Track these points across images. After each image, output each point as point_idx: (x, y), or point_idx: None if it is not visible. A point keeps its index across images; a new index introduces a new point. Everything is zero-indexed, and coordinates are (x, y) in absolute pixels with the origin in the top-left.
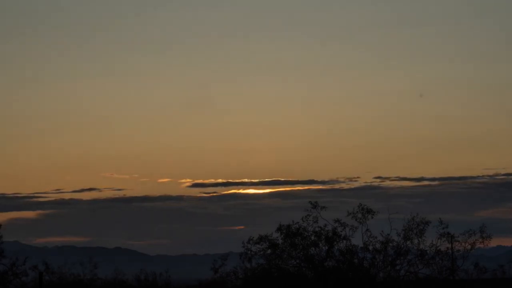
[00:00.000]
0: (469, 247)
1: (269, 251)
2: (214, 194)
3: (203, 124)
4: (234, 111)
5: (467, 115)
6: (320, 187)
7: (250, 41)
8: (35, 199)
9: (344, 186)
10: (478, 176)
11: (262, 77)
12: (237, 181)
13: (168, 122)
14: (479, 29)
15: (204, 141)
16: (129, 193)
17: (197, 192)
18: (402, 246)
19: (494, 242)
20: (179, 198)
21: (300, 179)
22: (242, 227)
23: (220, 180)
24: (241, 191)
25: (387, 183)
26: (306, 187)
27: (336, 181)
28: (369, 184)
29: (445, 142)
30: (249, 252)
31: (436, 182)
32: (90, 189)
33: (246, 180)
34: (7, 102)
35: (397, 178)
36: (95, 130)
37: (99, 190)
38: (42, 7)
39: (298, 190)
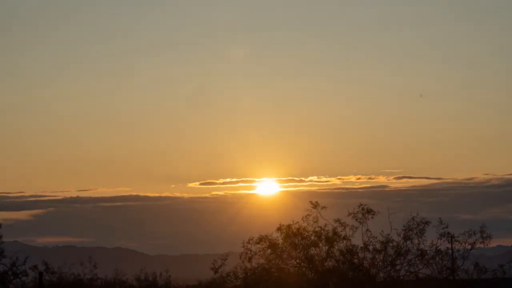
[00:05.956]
0: (469, 247)
1: (269, 251)
2: (215, 194)
3: (207, 124)
4: (239, 110)
5: (468, 115)
6: (335, 186)
7: (255, 40)
8: (35, 199)
9: (358, 185)
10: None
11: (268, 76)
12: (239, 180)
13: (171, 121)
14: (480, 30)
15: (207, 140)
16: (129, 192)
17: (198, 191)
18: (402, 246)
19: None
20: (180, 198)
21: (313, 179)
22: (240, 227)
23: (222, 180)
24: (244, 190)
25: (404, 181)
26: (320, 186)
27: (349, 182)
28: (381, 184)
29: (454, 141)
30: (249, 252)
31: (450, 181)
32: (92, 189)
33: (251, 179)
34: (10, 102)
35: (415, 177)
36: (96, 130)
37: (100, 189)
38: (45, 7)
39: (311, 189)
